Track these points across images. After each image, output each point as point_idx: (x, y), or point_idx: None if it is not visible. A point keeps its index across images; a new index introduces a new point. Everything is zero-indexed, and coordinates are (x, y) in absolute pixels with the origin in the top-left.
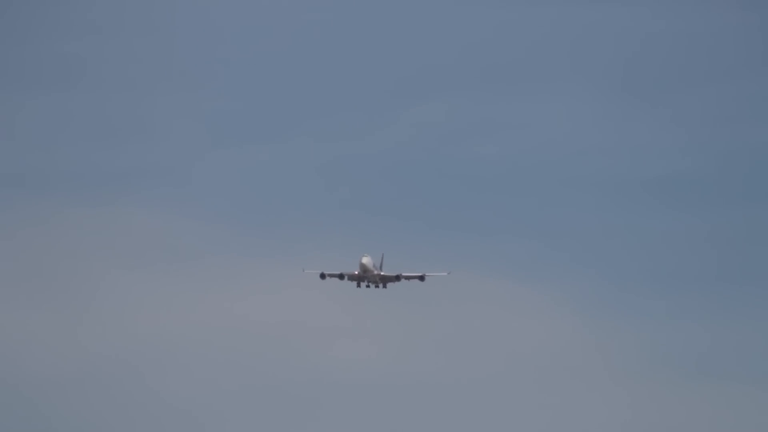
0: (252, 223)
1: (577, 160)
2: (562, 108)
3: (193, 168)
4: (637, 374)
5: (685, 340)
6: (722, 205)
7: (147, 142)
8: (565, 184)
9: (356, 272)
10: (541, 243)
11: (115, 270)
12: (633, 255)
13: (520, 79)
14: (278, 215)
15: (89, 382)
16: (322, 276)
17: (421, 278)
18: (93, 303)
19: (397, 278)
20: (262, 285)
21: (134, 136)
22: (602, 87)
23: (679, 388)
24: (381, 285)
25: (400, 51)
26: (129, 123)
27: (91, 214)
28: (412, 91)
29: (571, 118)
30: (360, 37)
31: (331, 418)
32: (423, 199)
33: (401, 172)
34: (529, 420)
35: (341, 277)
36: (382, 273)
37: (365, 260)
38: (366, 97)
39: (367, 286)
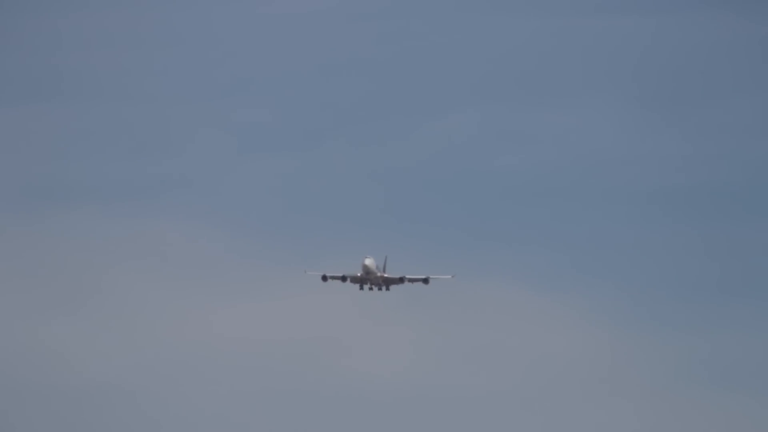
0: (273, 231)
1: (600, 171)
2: (586, 119)
3: (220, 178)
4: (658, 385)
5: (708, 351)
6: (749, 215)
7: (175, 153)
8: (588, 194)
9: (359, 274)
10: (561, 252)
11: (142, 280)
12: (654, 265)
13: (544, 91)
14: (300, 223)
15: (110, 390)
16: (324, 278)
17: (425, 281)
18: (118, 312)
19: (401, 280)
20: (275, 293)
21: (162, 147)
22: (625, 98)
23: (701, 398)
24: (384, 287)
25: (428, 62)
26: (157, 134)
27: (119, 225)
28: (439, 102)
29: (594, 130)
30: (388, 46)
31: (340, 427)
32: (447, 206)
33: (426, 180)
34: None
35: (343, 279)
36: (385, 275)
37: (368, 262)
38: (393, 107)
39: (370, 289)
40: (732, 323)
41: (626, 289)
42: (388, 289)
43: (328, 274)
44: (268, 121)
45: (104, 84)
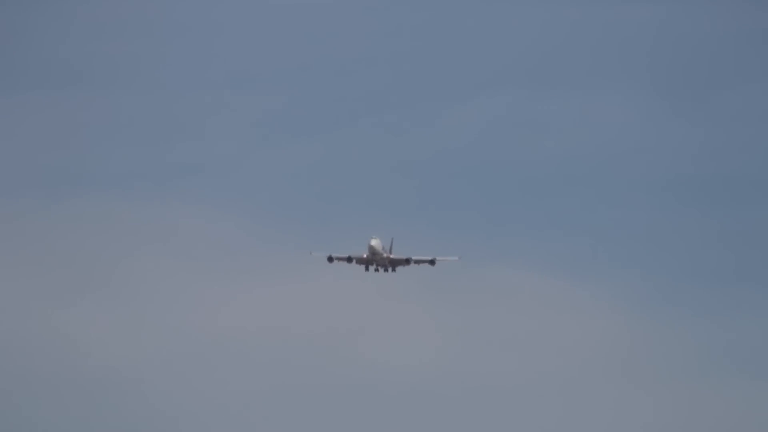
0: (285, 217)
1: (614, 159)
2: (600, 108)
3: (233, 165)
4: (673, 372)
5: (723, 338)
6: (765, 202)
7: (188, 141)
8: (602, 182)
9: (364, 255)
10: (575, 239)
11: (157, 266)
12: (669, 253)
13: (558, 80)
14: (313, 209)
15: (122, 378)
16: (330, 259)
17: (432, 262)
18: (132, 299)
19: (407, 262)
20: (283, 277)
21: (175, 134)
22: (641, 87)
23: (718, 385)
24: (390, 269)
25: (455, 48)
26: (170, 121)
27: (132, 212)
28: (456, 91)
29: (609, 118)
30: (414, 31)
31: (354, 413)
32: (459, 192)
33: (443, 167)
34: (562, 420)
35: (349, 260)
36: (391, 256)
37: (374, 242)
38: (411, 96)
39: (376, 270)
40: (749, 310)
41: (640, 276)
42: (394, 270)
43: (334, 255)
44: (286, 110)
45: (120, 72)
